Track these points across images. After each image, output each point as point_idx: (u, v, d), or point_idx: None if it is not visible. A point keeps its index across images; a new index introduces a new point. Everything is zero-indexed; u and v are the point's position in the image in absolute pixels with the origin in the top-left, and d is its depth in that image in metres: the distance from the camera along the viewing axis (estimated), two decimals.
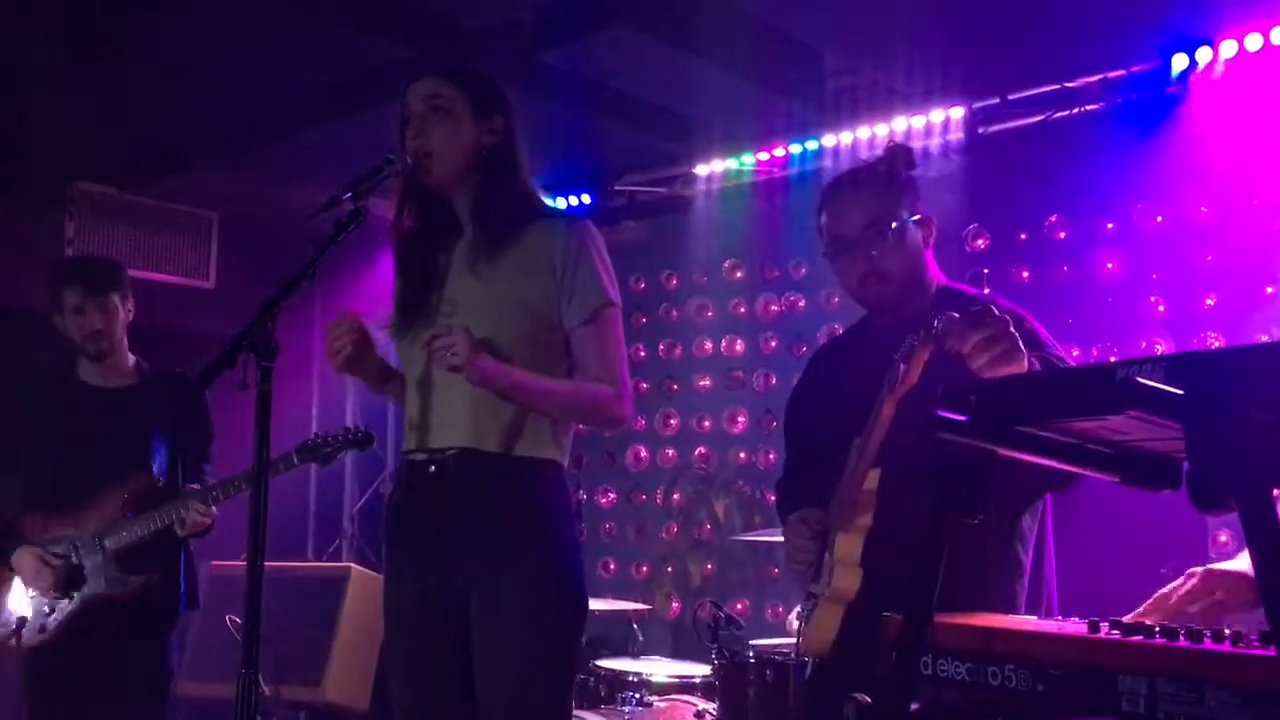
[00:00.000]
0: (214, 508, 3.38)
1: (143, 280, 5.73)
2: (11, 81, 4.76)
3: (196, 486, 3.46)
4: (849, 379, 2.44)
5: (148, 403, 3.57)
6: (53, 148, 5.38)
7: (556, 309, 2.49)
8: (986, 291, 3.13)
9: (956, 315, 1.99)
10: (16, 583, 3.40)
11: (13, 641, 3.34)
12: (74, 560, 3.38)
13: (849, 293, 2.57)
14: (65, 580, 3.36)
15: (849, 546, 2.21)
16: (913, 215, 2.48)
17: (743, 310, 6.38)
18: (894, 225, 2.43)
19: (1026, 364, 2.00)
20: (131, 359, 3.67)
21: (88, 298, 3.52)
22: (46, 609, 3.38)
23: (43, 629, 3.37)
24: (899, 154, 2.51)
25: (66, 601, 3.38)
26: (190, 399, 3.61)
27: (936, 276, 2.55)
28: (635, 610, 4.98)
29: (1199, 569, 1.98)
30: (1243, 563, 1.97)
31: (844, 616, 2.21)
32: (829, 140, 5.38)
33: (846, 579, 2.20)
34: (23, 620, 3.36)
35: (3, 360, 3.69)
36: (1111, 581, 2.01)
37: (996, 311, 2.00)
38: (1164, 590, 1.97)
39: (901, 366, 2.04)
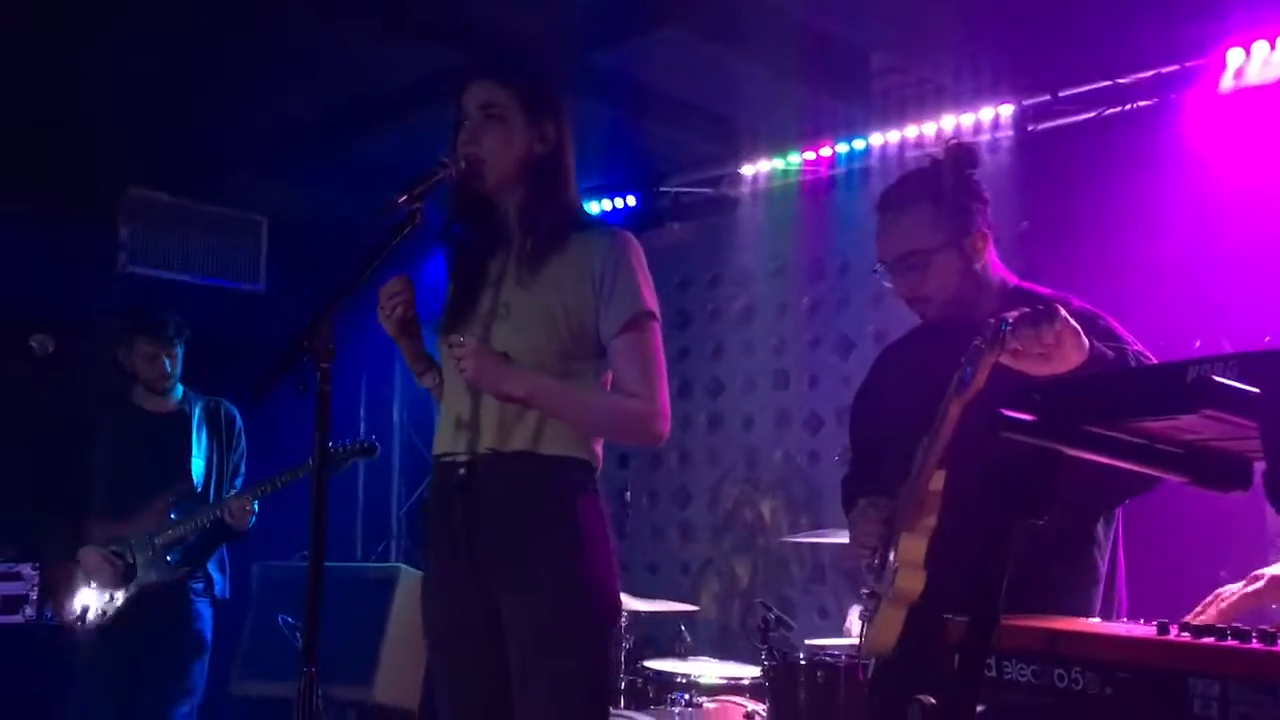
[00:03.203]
0: (255, 503, 4.03)
1: (194, 285, 5.81)
2: (66, 87, 4.83)
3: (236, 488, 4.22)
4: (917, 377, 2.41)
5: (187, 425, 4.20)
6: (107, 154, 5.44)
7: (595, 319, 2.47)
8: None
9: (1012, 323, 1.96)
10: (81, 576, 3.99)
11: (79, 625, 3.95)
12: (129, 557, 3.98)
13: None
14: (123, 573, 3.96)
15: (913, 548, 2.19)
16: (962, 233, 2.42)
17: (788, 311, 6.35)
18: (927, 258, 2.41)
19: (1086, 346, 1.99)
20: (181, 388, 4.27)
21: (161, 348, 4.12)
22: (108, 597, 3.97)
23: (104, 614, 3.97)
24: (960, 154, 2.47)
25: (123, 591, 3.97)
26: (224, 424, 4.28)
27: (1004, 277, 2.52)
28: (682, 611, 4.97)
29: (1265, 571, 1.94)
30: None
31: (907, 618, 2.19)
32: (876, 139, 5.33)
33: (910, 580, 2.18)
34: (86, 608, 3.97)
35: (63, 366, 4.15)
36: (1170, 585, 1.98)
37: (1058, 311, 1.97)
38: (1221, 591, 1.94)
39: (969, 370, 2.02)
